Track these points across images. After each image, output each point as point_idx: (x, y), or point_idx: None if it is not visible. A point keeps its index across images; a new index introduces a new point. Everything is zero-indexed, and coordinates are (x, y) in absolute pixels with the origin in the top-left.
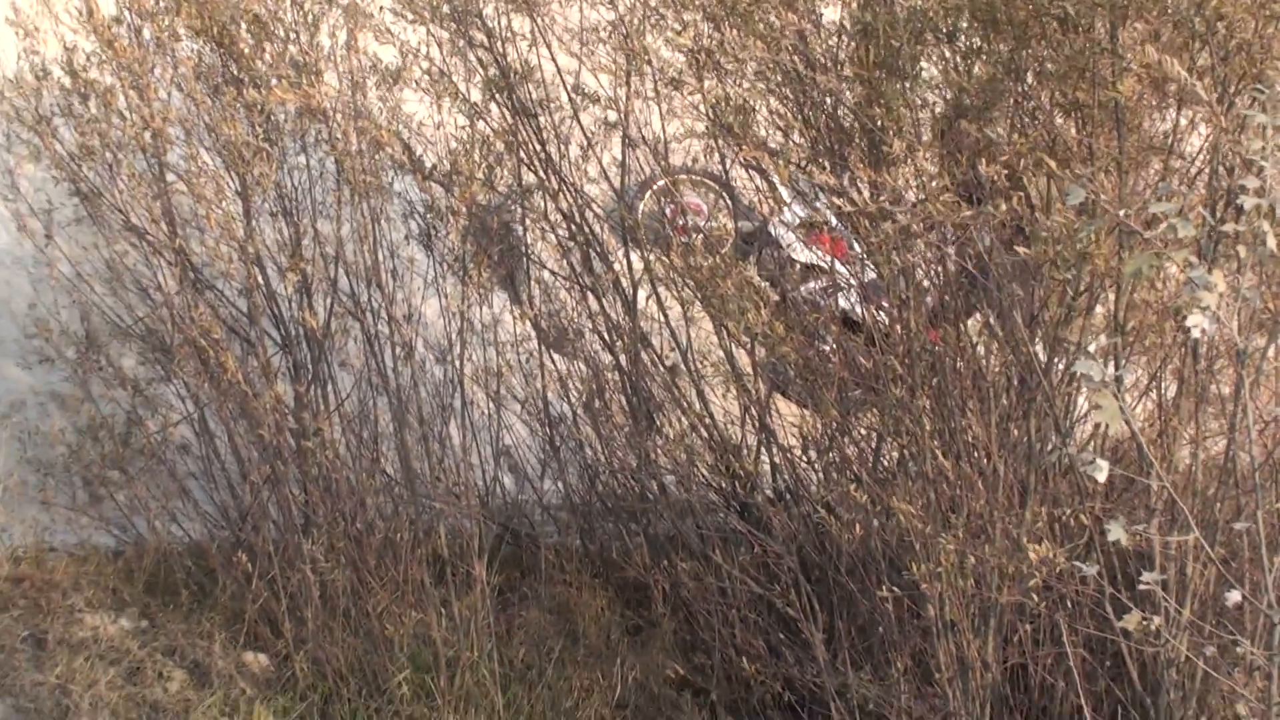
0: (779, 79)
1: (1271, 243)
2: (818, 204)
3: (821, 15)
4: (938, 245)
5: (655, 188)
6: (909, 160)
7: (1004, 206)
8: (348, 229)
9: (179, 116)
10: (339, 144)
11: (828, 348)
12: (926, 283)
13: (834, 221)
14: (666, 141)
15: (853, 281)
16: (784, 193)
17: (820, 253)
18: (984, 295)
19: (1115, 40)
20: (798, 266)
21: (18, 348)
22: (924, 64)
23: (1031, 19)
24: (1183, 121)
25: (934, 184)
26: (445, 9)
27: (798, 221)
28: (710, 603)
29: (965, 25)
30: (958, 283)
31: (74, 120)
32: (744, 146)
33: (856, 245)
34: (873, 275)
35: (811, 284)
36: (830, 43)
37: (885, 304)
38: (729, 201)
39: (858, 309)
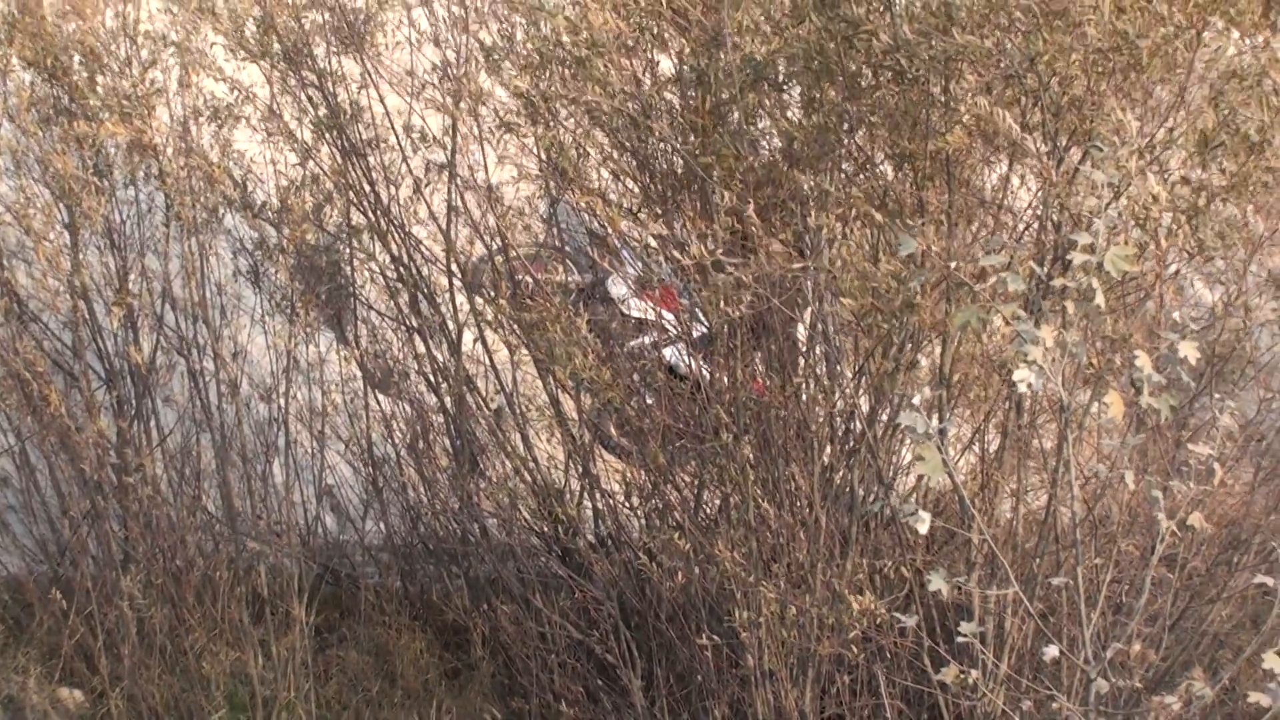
0: (613, 124)
1: (1099, 298)
2: (648, 252)
3: (658, 63)
4: (766, 296)
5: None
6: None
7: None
8: (176, 264)
9: (9, 146)
10: (169, 179)
11: (651, 401)
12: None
13: (665, 271)
14: (497, 185)
15: (680, 333)
16: (616, 242)
17: (650, 305)
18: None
19: (948, 93)
20: (630, 323)
21: None
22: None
23: (863, 69)
24: (1013, 177)
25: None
26: (277, 48)
27: (631, 273)
28: (529, 647)
29: (797, 71)
30: (785, 332)
31: None
32: (578, 191)
33: (687, 296)
34: (700, 325)
35: (642, 339)
36: (665, 89)
37: (712, 353)
38: (561, 249)
39: (684, 359)
